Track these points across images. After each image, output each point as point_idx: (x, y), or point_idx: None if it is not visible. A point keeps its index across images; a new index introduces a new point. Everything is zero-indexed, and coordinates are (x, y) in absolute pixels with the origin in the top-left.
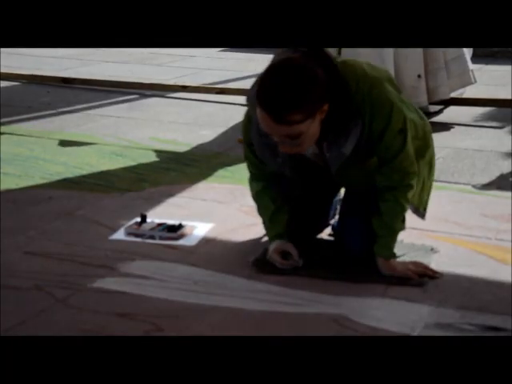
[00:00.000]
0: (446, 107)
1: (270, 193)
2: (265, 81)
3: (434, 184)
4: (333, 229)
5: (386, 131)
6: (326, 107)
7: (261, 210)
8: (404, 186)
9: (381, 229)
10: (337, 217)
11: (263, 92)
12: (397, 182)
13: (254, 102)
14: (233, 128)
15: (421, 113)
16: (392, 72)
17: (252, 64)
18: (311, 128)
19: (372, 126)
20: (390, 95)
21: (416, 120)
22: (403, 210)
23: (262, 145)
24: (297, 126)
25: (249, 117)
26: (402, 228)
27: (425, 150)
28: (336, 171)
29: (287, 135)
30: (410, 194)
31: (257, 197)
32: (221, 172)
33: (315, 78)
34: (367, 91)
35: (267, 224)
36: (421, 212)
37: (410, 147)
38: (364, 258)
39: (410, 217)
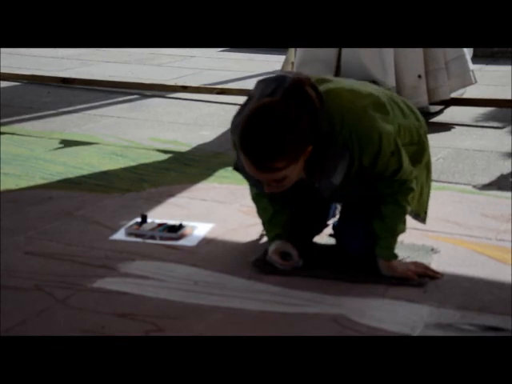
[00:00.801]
0: (446, 107)
1: (271, 199)
2: (246, 128)
3: (435, 184)
4: (333, 228)
5: (377, 159)
6: (309, 149)
7: (260, 212)
8: (404, 189)
9: (382, 231)
10: (337, 216)
11: (245, 140)
12: (397, 188)
13: (236, 135)
14: None
15: (418, 113)
16: (392, 72)
17: (252, 64)
18: (295, 170)
19: (362, 157)
20: (376, 124)
21: (411, 125)
22: (404, 212)
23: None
24: (280, 172)
25: (234, 144)
26: (403, 229)
27: (421, 154)
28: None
29: (271, 180)
30: (410, 197)
31: (256, 198)
32: (221, 172)
33: (297, 123)
34: (354, 124)
35: (266, 225)
36: (421, 217)
37: (406, 160)
38: (364, 259)
39: (410, 217)
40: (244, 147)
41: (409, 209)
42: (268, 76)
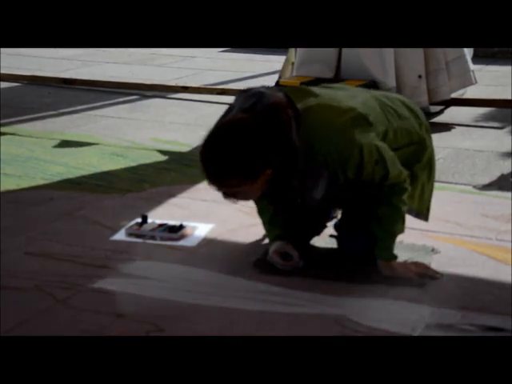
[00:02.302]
0: (446, 107)
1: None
2: (208, 141)
3: (435, 184)
4: (334, 229)
5: (362, 170)
6: (269, 172)
7: (260, 212)
8: (397, 191)
9: (380, 232)
10: (337, 218)
11: (203, 152)
12: (388, 190)
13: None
14: None
15: (418, 112)
16: (393, 72)
17: (252, 64)
18: (252, 190)
19: (346, 172)
20: (356, 138)
21: (409, 126)
22: (400, 213)
23: None
24: (233, 188)
25: None
26: (402, 230)
27: (421, 153)
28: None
29: (223, 192)
30: (405, 197)
31: (256, 199)
32: None
33: (257, 146)
34: (333, 141)
35: (267, 226)
36: (423, 214)
37: (394, 164)
38: (364, 259)
39: (411, 217)
40: (201, 158)
41: (406, 209)
42: (250, 88)
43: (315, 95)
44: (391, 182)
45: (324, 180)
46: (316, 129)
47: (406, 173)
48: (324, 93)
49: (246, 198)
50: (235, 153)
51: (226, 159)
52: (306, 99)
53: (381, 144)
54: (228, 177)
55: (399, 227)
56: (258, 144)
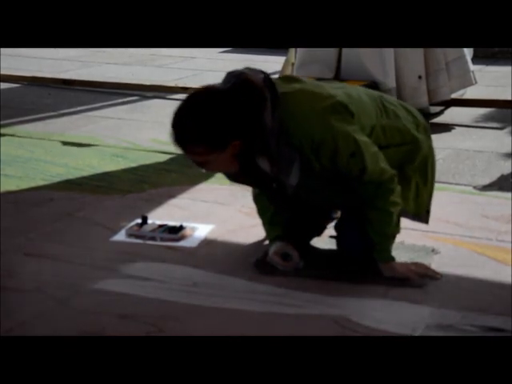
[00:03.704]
0: (446, 108)
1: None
2: (178, 107)
3: (435, 185)
4: (335, 229)
5: (336, 160)
6: (237, 143)
7: (260, 212)
8: (382, 193)
9: (374, 235)
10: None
11: (173, 118)
12: (372, 191)
13: None
14: None
15: (415, 113)
16: (393, 73)
17: (252, 65)
18: (219, 160)
19: (320, 159)
20: (331, 124)
21: (400, 126)
22: (389, 216)
23: None
24: (200, 156)
25: None
26: (396, 231)
27: (415, 154)
28: (306, 195)
29: (192, 160)
30: (395, 198)
31: (256, 199)
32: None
33: (224, 115)
34: (307, 125)
35: (267, 226)
36: (422, 217)
37: (374, 160)
38: (364, 260)
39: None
40: (171, 124)
41: (398, 210)
42: (235, 70)
43: (300, 82)
44: (372, 179)
45: (298, 165)
46: (293, 112)
47: (391, 172)
48: (311, 82)
49: (214, 169)
50: (201, 120)
51: (190, 125)
52: (290, 85)
53: (362, 138)
54: (192, 143)
55: (391, 229)
56: (225, 113)
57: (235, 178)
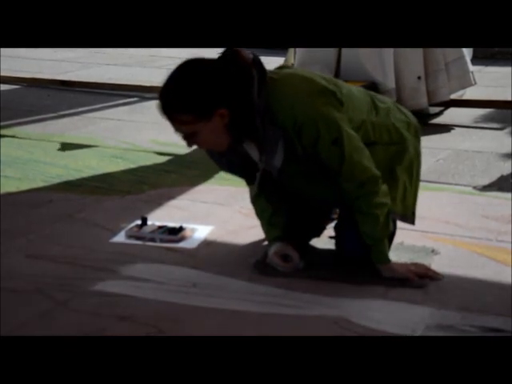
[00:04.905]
0: (446, 109)
1: (266, 195)
2: (167, 76)
3: (435, 186)
4: (334, 229)
5: (317, 145)
6: (223, 112)
7: (259, 214)
8: (365, 195)
9: (366, 238)
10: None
11: (162, 86)
12: (355, 192)
13: None
14: None
15: (408, 114)
16: (392, 74)
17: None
18: (206, 130)
19: (302, 140)
20: (315, 106)
21: (389, 125)
22: (375, 218)
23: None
24: (188, 125)
25: None
26: (386, 233)
27: (402, 154)
28: (294, 183)
29: (181, 132)
30: (377, 200)
31: (254, 200)
32: (221, 174)
33: (210, 82)
34: (292, 104)
35: (265, 227)
36: (409, 217)
37: (356, 155)
38: (364, 260)
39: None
40: (159, 92)
41: (384, 211)
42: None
43: (292, 69)
44: (353, 176)
45: (282, 144)
46: (279, 92)
47: (374, 173)
48: (303, 69)
49: (203, 142)
50: (185, 86)
51: (175, 93)
52: (281, 70)
53: (347, 129)
54: (177, 111)
55: (380, 232)
56: (209, 80)
57: (222, 163)
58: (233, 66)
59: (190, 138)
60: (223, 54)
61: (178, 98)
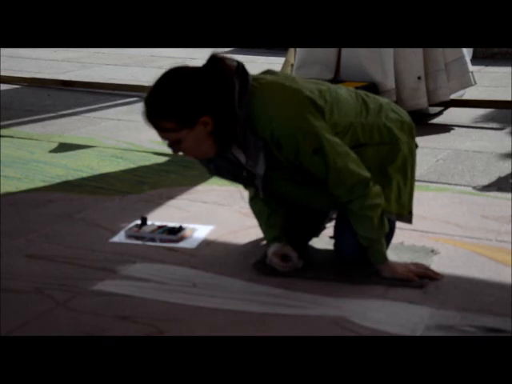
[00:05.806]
0: (445, 109)
1: (263, 196)
2: (153, 85)
3: (435, 186)
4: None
5: (298, 155)
6: (206, 120)
7: (257, 215)
8: (357, 198)
9: (361, 239)
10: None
11: (146, 94)
12: (346, 197)
13: None
14: None
15: (402, 113)
16: (392, 74)
17: (252, 66)
18: (190, 137)
19: (282, 152)
20: (294, 118)
21: (381, 125)
22: (369, 219)
23: None
24: (171, 133)
25: None
26: (383, 233)
27: (395, 154)
28: (285, 190)
29: (165, 139)
30: (369, 202)
31: (252, 202)
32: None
33: (193, 90)
34: (271, 115)
35: (264, 227)
36: (405, 217)
37: (342, 161)
38: (363, 260)
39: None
40: (144, 99)
41: (377, 212)
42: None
43: (275, 75)
44: (342, 181)
45: (263, 155)
46: (258, 104)
47: (364, 176)
48: (285, 75)
49: (189, 149)
50: (168, 94)
51: (158, 100)
52: (265, 76)
53: (329, 135)
54: (160, 118)
55: (374, 233)
56: (191, 88)
57: (210, 168)
58: (215, 74)
59: (174, 146)
60: (207, 61)
61: (161, 105)
